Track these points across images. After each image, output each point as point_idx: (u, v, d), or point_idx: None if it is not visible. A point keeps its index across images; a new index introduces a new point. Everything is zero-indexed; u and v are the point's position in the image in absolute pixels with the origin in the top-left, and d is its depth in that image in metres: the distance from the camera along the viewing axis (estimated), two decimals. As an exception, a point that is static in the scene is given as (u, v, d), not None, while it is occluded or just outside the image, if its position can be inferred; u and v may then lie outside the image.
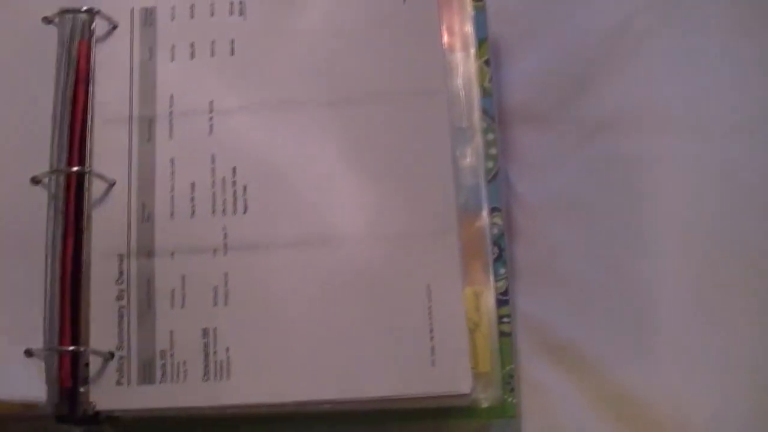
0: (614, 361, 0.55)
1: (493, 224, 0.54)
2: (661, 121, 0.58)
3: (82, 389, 0.52)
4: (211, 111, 0.55)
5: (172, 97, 0.55)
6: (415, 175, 0.53)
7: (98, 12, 0.56)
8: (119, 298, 0.52)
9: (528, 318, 0.56)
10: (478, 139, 0.55)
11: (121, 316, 0.52)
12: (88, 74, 0.55)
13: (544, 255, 0.57)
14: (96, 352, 0.52)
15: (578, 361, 0.55)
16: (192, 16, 0.56)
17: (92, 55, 0.56)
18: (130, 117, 0.55)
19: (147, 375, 0.51)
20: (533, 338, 0.56)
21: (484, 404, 0.52)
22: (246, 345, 0.51)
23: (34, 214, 0.53)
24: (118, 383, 0.51)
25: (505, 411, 0.52)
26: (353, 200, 0.53)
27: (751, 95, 0.59)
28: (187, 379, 0.51)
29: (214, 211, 0.53)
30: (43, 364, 0.51)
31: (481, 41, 0.56)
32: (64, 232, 0.53)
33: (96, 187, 0.54)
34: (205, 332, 0.52)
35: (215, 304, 0.52)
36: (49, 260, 0.52)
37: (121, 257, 0.53)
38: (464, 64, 0.56)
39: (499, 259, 0.54)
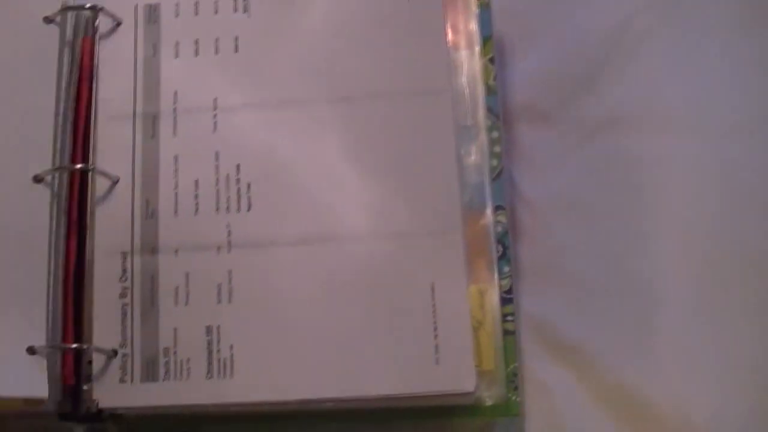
0: (617, 360, 0.55)
1: (497, 222, 0.54)
2: (663, 120, 0.58)
3: (85, 387, 0.51)
4: (215, 108, 0.54)
5: (176, 93, 0.55)
6: (420, 173, 0.53)
7: (102, 9, 0.56)
8: (122, 295, 0.52)
9: (531, 316, 0.56)
10: (483, 137, 0.55)
11: (124, 314, 0.52)
12: (91, 71, 0.55)
13: (547, 253, 0.57)
14: (99, 350, 0.51)
15: (581, 359, 0.55)
16: (196, 13, 0.56)
17: (96, 52, 0.56)
18: (134, 114, 0.55)
19: (150, 373, 0.51)
20: (536, 337, 0.56)
21: (488, 402, 0.52)
22: (249, 343, 0.51)
23: (37, 212, 0.53)
24: (122, 381, 0.51)
25: (509, 409, 0.52)
26: (357, 198, 0.53)
27: (751, 95, 0.59)
28: (191, 377, 0.51)
29: (218, 209, 0.53)
30: (45, 362, 0.51)
31: (486, 39, 0.56)
32: (67, 229, 0.53)
33: (99, 185, 0.54)
34: (208, 330, 0.52)
35: (219, 301, 0.52)
36: (52, 258, 0.52)
37: (124, 254, 0.53)
38: (469, 62, 0.56)
39: (503, 257, 0.54)
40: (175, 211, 0.53)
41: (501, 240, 0.54)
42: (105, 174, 0.54)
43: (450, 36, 0.56)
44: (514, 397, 0.52)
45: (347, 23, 0.55)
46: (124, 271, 0.53)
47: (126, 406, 0.51)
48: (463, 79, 0.56)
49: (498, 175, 0.55)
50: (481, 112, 0.55)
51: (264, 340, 0.51)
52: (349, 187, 0.53)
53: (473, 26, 0.56)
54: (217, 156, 0.54)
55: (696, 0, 0.60)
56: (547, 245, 0.57)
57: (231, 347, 0.51)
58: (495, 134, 0.55)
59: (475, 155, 0.55)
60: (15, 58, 0.55)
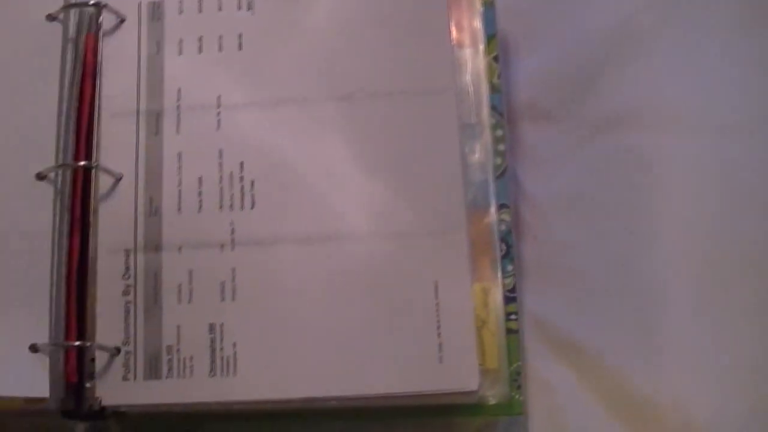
0: (619, 359, 0.55)
1: (500, 221, 0.54)
2: (667, 119, 0.58)
3: (87, 384, 0.51)
4: (218, 106, 0.54)
5: (179, 91, 0.55)
6: (424, 172, 0.53)
7: (105, 5, 0.56)
8: (126, 293, 0.52)
9: (534, 315, 0.56)
10: (487, 136, 0.55)
11: (127, 311, 0.52)
12: (95, 68, 0.55)
13: (550, 252, 0.57)
14: (102, 347, 0.51)
15: (584, 358, 0.55)
16: (200, 11, 0.56)
17: (99, 49, 0.55)
18: (138, 111, 0.54)
19: (153, 370, 0.51)
20: (540, 335, 0.56)
21: (491, 401, 0.52)
22: (253, 341, 0.51)
23: (40, 210, 0.53)
24: (125, 378, 0.51)
25: (512, 408, 0.52)
26: (361, 196, 0.53)
27: (753, 94, 0.59)
28: (194, 375, 0.51)
29: (221, 206, 0.53)
30: (47, 360, 0.51)
31: (490, 37, 0.56)
32: (70, 227, 0.53)
33: (103, 182, 0.53)
34: (211, 327, 0.51)
35: (222, 299, 0.52)
36: (55, 255, 0.52)
37: (127, 252, 0.53)
38: (473, 60, 0.56)
39: (507, 255, 0.54)
40: (179, 209, 0.53)
41: (504, 238, 0.54)
42: (108, 171, 0.53)
43: (454, 34, 0.56)
44: (517, 396, 0.52)
45: (351, 21, 0.55)
46: (128, 268, 0.52)
47: (129, 404, 0.51)
48: (467, 78, 0.56)
49: (502, 174, 0.55)
50: (485, 111, 0.55)
51: (267, 338, 0.51)
52: (352, 186, 0.53)
53: (477, 24, 0.56)
54: (220, 154, 0.54)
55: (698, -1, 0.61)
56: (550, 244, 0.57)
57: (234, 345, 0.51)
58: (499, 132, 0.55)
59: (479, 153, 0.55)
60: (17, 56, 0.55)
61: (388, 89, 0.54)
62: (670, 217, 0.57)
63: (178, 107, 0.54)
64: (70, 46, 0.55)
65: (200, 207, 0.53)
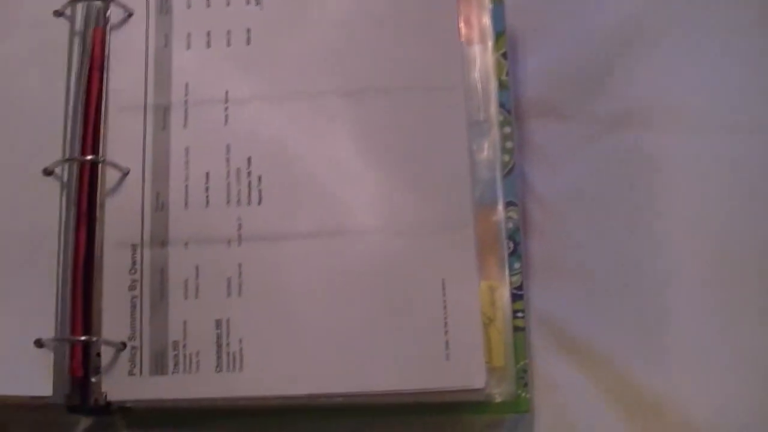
0: (626, 357, 0.55)
1: (508, 218, 0.54)
2: (675, 117, 0.58)
3: (93, 379, 0.51)
4: (226, 100, 0.54)
5: (187, 85, 0.54)
6: (432, 168, 0.53)
7: (113, -1, 0.56)
8: (132, 288, 0.52)
9: (541, 313, 0.56)
10: (495, 133, 0.55)
11: (133, 306, 0.52)
12: (102, 62, 0.55)
13: (558, 250, 0.57)
14: (108, 342, 0.51)
15: (591, 356, 0.55)
16: (208, 5, 0.56)
17: (107, 43, 0.55)
18: (145, 105, 0.54)
19: (159, 366, 0.51)
20: (546, 333, 0.56)
21: (498, 399, 0.52)
22: (259, 336, 0.51)
23: (47, 204, 0.53)
24: (130, 374, 0.51)
25: (519, 406, 0.52)
26: (368, 193, 0.53)
27: (762, 93, 0.59)
28: (200, 370, 0.51)
29: (228, 202, 0.53)
30: (52, 356, 0.51)
31: (499, 34, 0.56)
32: (76, 221, 0.53)
33: (109, 176, 0.53)
34: (218, 323, 0.51)
35: (229, 294, 0.52)
36: (62, 250, 0.52)
37: (134, 247, 0.53)
38: (482, 57, 0.56)
39: (514, 253, 0.54)
40: (186, 204, 0.53)
41: (512, 236, 0.54)
42: (115, 166, 0.53)
43: (463, 31, 0.56)
44: (523, 394, 0.52)
45: (360, 17, 0.55)
46: (134, 263, 0.52)
47: (134, 399, 0.51)
48: (476, 74, 0.55)
49: (510, 171, 0.55)
50: (494, 108, 0.55)
51: (274, 334, 0.51)
52: (360, 182, 0.53)
53: (486, 21, 0.56)
54: (228, 149, 0.54)
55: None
56: (557, 241, 0.57)
57: (240, 341, 0.51)
58: (507, 130, 0.55)
59: (487, 151, 0.55)
60: (25, 51, 0.55)
61: (397, 85, 0.54)
62: (677, 215, 0.57)
63: (186, 102, 0.54)
64: (77, 40, 0.55)
65: (207, 202, 0.53)
